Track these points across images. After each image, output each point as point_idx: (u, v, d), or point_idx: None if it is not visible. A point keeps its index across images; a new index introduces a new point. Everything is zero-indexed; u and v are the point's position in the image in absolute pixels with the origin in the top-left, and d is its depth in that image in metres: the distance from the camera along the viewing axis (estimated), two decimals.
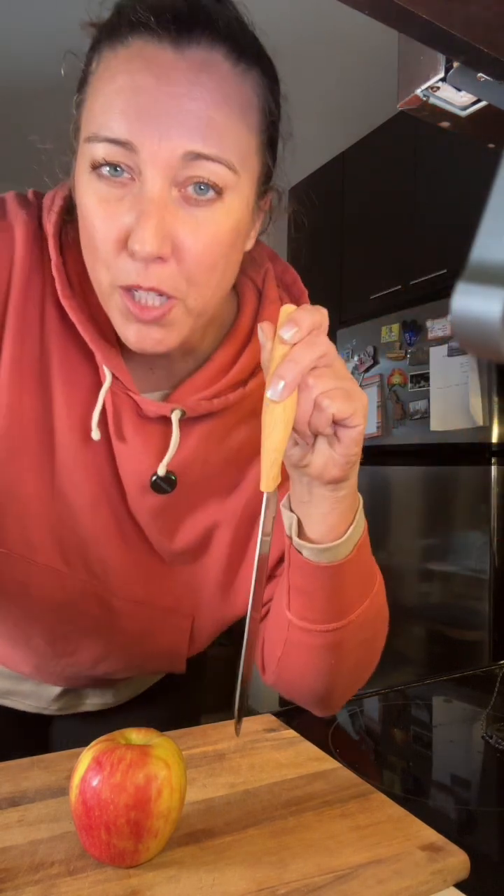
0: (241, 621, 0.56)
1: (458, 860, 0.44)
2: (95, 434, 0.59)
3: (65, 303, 0.58)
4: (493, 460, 1.91)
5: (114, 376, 0.59)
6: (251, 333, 0.64)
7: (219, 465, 0.65)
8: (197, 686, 0.91)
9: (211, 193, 0.50)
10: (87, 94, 0.52)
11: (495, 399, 1.91)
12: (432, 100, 0.43)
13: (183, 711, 0.88)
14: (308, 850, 0.45)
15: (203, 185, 0.50)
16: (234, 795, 0.52)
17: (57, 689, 0.80)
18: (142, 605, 0.69)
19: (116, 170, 0.49)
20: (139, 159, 0.48)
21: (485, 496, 1.93)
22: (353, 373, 2.46)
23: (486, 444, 1.92)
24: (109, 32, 0.51)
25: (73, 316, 0.58)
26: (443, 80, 0.41)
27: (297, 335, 0.47)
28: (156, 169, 0.48)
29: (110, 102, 0.49)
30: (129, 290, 0.52)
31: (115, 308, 0.53)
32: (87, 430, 0.60)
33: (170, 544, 0.66)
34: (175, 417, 0.60)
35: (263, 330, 0.50)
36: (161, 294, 0.51)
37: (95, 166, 0.50)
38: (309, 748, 0.60)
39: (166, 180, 0.49)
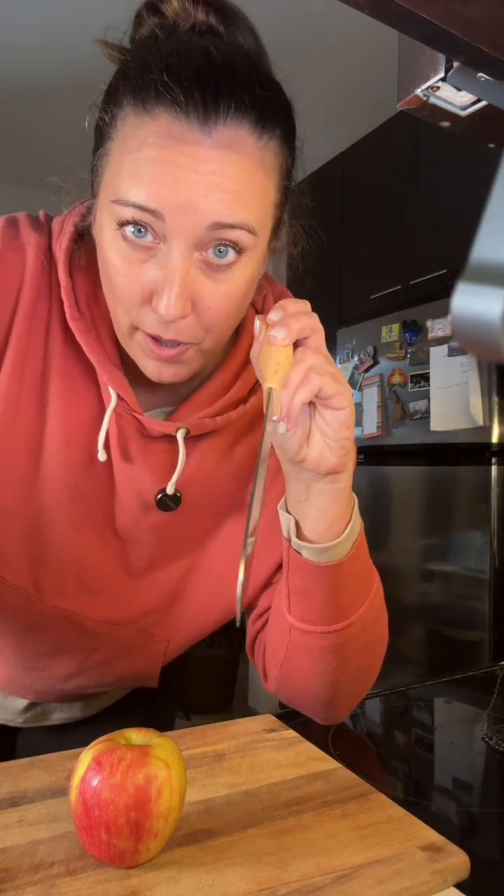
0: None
1: (458, 860, 0.44)
2: (102, 455, 0.60)
3: (73, 325, 0.59)
4: (493, 460, 1.91)
5: (118, 397, 0.60)
6: (246, 358, 0.66)
7: (220, 482, 0.67)
8: (167, 697, 0.91)
9: (230, 256, 0.53)
10: (111, 150, 0.53)
11: (495, 399, 1.91)
12: (432, 100, 0.43)
13: (153, 721, 0.87)
14: (308, 850, 0.45)
15: (223, 248, 0.52)
16: (234, 795, 0.52)
17: (24, 702, 0.80)
18: (116, 627, 0.69)
19: (141, 231, 0.51)
20: (165, 227, 0.51)
21: (485, 496, 1.93)
22: (353, 373, 2.46)
23: (486, 444, 1.92)
24: (134, 93, 0.51)
25: (81, 338, 0.59)
26: (443, 80, 0.41)
27: (282, 316, 0.52)
28: (182, 238, 0.51)
29: (139, 170, 0.50)
30: (149, 336, 0.55)
31: (135, 345, 0.57)
32: (84, 450, 0.61)
33: (167, 562, 0.67)
34: (180, 436, 0.62)
35: (259, 320, 0.53)
36: (179, 343, 0.55)
37: (122, 224, 0.52)
38: (309, 748, 0.60)
39: (190, 247, 0.51)
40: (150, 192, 0.50)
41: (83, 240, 0.62)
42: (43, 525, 0.63)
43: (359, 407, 2.43)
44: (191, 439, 0.63)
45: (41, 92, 2.84)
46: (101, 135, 0.54)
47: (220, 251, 0.52)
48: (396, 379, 2.26)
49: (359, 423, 2.43)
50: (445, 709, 0.81)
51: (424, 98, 0.43)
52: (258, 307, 0.70)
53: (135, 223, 0.51)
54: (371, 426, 2.35)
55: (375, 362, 2.35)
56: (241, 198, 0.51)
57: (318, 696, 0.65)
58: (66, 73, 2.61)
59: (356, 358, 2.45)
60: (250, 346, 0.66)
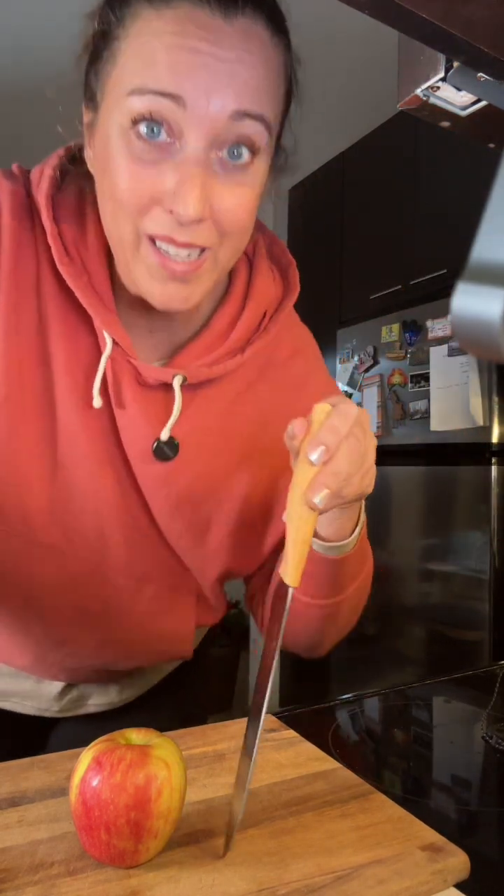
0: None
1: (458, 860, 0.44)
2: (97, 402, 0.59)
3: (63, 270, 0.58)
4: (493, 460, 1.91)
5: (114, 343, 0.59)
6: (244, 301, 0.66)
7: (221, 437, 0.66)
8: (201, 686, 0.91)
9: (245, 157, 0.52)
10: (120, 48, 0.51)
11: (495, 399, 1.91)
12: (432, 100, 0.43)
13: (187, 713, 0.87)
14: (308, 850, 0.45)
15: (238, 150, 0.51)
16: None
17: (57, 687, 0.78)
18: (145, 583, 0.68)
19: (154, 131, 0.50)
20: (184, 117, 0.49)
21: (485, 496, 1.93)
22: (353, 373, 2.46)
23: (486, 444, 1.92)
24: None
25: (72, 283, 0.58)
26: (443, 80, 0.41)
27: (323, 455, 0.48)
28: (202, 129, 0.49)
29: (157, 58, 0.49)
30: (154, 241, 0.52)
31: (142, 264, 0.54)
32: (89, 397, 0.60)
33: (173, 516, 0.66)
34: (177, 383, 0.60)
35: (295, 426, 0.51)
36: (193, 248, 0.52)
37: (136, 121, 0.49)
38: (309, 748, 0.60)
39: (209, 141, 0.50)
40: (170, 77, 0.48)
41: (64, 182, 0.61)
42: (65, 478, 0.62)
43: (358, 407, 2.43)
44: (189, 390, 0.62)
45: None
46: (105, 37, 0.53)
47: (234, 153, 0.51)
48: (396, 379, 2.25)
49: None
50: (445, 708, 0.81)
51: (424, 98, 0.43)
52: (248, 254, 0.69)
53: (150, 119, 0.49)
54: (371, 426, 2.35)
55: (375, 362, 2.35)
56: (261, 90, 0.51)
57: (307, 646, 0.69)
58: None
59: (356, 358, 2.45)
60: (243, 295, 0.66)
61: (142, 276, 0.55)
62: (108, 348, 0.59)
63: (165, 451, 0.62)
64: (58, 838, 0.46)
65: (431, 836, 0.46)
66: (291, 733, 0.63)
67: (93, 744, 0.45)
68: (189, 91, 0.48)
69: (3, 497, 0.61)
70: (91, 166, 0.57)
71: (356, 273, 2.70)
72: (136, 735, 0.47)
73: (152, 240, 0.53)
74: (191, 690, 0.89)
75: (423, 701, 0.82)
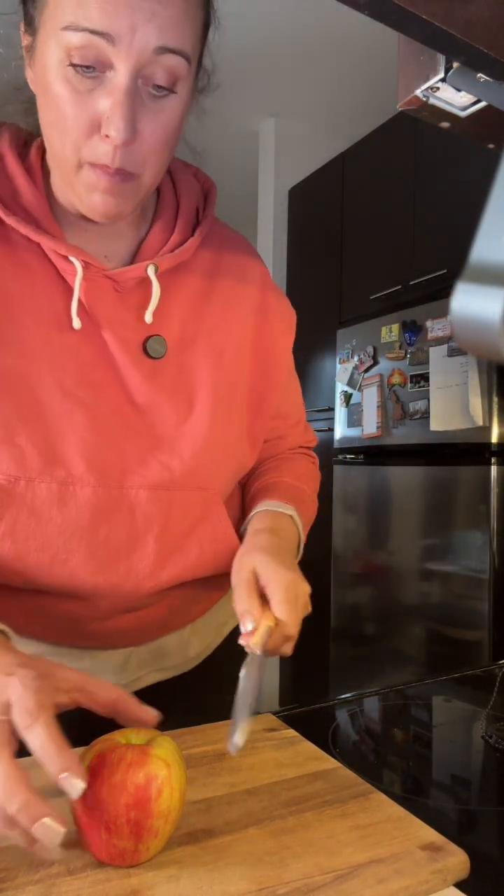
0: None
1: (457, 860, 0.44)
2: (76, 323, 0.64)
3: (10, 222, 0.63)
4: (493, 460, 1.91)
5: (84, 264, 0.64)
6: (176, 199, 0.74)
7: (202, 329, 0.72)
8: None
9: (167, 84, 0.58)
10: None
11: (495, 399, 1.91)
12: (432, 100, 0.43)
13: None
14: (308, 849, 0.45)
15: (159, 87, 0.58)
16: (235, 795, 0.52)
17: (120, 655, 0.76)
18: (170, 492, 0.69)
19: (88, 68, 0.55)
20: (114, 52, 0.55)
21: (485, 496, 1.93)
22: (353, 373, 2.46)
23: (486, 444, 1.92)
24: None
25: (25, 230, 0.63)
26: (443, 80, 0.41)
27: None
28: (129, 61, 0.55)
29: None
30: (96, 166, 0.59)
31: (80, 182, 0.60)
32: (62, 325, 0.65)
33: (175, 410, 0.69)
34: (151, 271, 0.67)
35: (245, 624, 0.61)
36: (123, 174, 0.59)
37: (71, 51, 0.55)
38: (309, 748, 0.60)
39: (136, 71, 0.56)
40: (99, 17, 0.53)
41: None
42: (73, 409, 0.64)
43: (359, 407, 2.43)
44: (163, 283, 0.69)
45: None
46: None
47: (158, 88, 0.58)
48: (396, 379, 2.26)
49: (359, 423, 2.43)
50: (445, 707, 0.81)
51: (424, 98, 0.43)
52: (169, 169, 0.74)
53: (83, 49, 0.54)
54: (371, 426, 2.35)
55: (375, 362, 2.35)
56: (179, 24, 0.56)
57: None
58: None
59: (356, 358, 2.45)
60: (175, 203, 0.73)
61: (80, 192, 0.61)
62: (79, 271, 0.64)
63: (156, 346, 0.68)
64: None
65: (431, 835, 0.46)
66: (291, 733, 0.63)
67: (93, 743, 0.45)
68: (116, 29, 0.54)
69: (27, 443, 0.64)
70: (33, 86, 0.62)
71: (356, 273, 2.70)
72: (136, 735, 0.47)
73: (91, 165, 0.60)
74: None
75: (422, 700, 0.82)
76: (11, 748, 0.43)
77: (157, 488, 0.68)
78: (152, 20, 0.54)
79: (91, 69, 0.55)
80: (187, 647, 0.82)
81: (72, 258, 0.64)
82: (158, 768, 0.43)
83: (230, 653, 0.74)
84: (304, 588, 0.65)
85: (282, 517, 0.76)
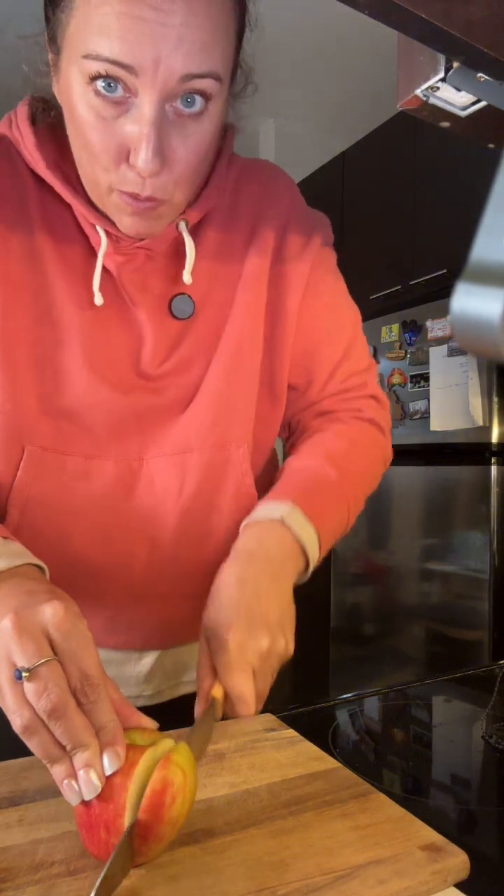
0: None
1: (457, 860, 0.44)
2: (98, 299, 0.63)
3: (50, 180, 0.62)
4: (493, 460, 1.91)
5: (114, 236, 0.63)
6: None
7: (220, 283, 0.70)
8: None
9: (198, 104, 0.55)
10: (75, 7, 0.54)
11: (495, 399, 1.91)
12: (432, 100, 0.43)
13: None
14: (308, 850, 0.45)
15: (191, 98, 0.55)
16: (234, 795, 0.52)
17: (146, 665, 0.75)
18: (179, 455, 0.69)
19: (110, 85, 0.53)
20: (137, 81, 0.52)
21: (485, 496, 1.93)
22: None
23: (486, 444, 1.92)
24: None
25: (60, 188, 0.62)
26: (443, 80, 0.41)
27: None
28: (154, 92, 0.53)
29: (108, 24, 0.51)
30: (125, 194, 0.58)
31: (112, 204, 0.60)
32: (90, 295, 0.64)
33: (193, 372, 0.68)
34: (182, 228, 0.65)
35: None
36: (153, 202, 0.58)
37: (93, 78, 0.53)
38: (309, 748, 0.60)
39: (162, 99, 0.54)
40: (121, 48, 0.51)
41: (36, 122, 0.65)
42: (92, 382, 0.64)
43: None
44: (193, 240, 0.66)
45: None
46: None
47: (188, 101, 0.55)
48: (396, 379, 2.26)
49: None
50: (445, 707, 0.81)
51: (424, 98, 0.43)
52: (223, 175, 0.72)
53: (107, 77, 0.52)
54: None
55: (375, 362, 2.35)
56: (208, 46, 0.53)
57: None
58: None
59: None
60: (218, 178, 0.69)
61: (112, 212, 0.61)
62: (103, 242, 0.62)
63: (182, 307, 0.67)
64: (58, 838, 0.46)
65: (431, 835, 0.46)
66: (291, 732, 0.63)
67: None
68: (139, 60, 0.51)
69: (44, 417, 0.64)
70: (60, 101, 0.60)
71: (356, 273, 2.69)
72: (140, 736, 0.46)
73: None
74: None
75: (422, 700, 0.82)
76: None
77: (174, 454, 0.68)
78: (178, 48, 0.51)
79: (115, 90, 0.53)
80: None
81: (98, 228, 0.63)
82: (175, 775, 0.43)
83: None
84: (255, 645, 0.58)
85: (263, 526, 0.67)
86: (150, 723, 0.48)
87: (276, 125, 3.24)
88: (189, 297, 0.67)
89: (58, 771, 0.42)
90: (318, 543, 0.68)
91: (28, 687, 0.42)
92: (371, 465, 0.81)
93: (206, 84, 0.54)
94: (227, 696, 0.58)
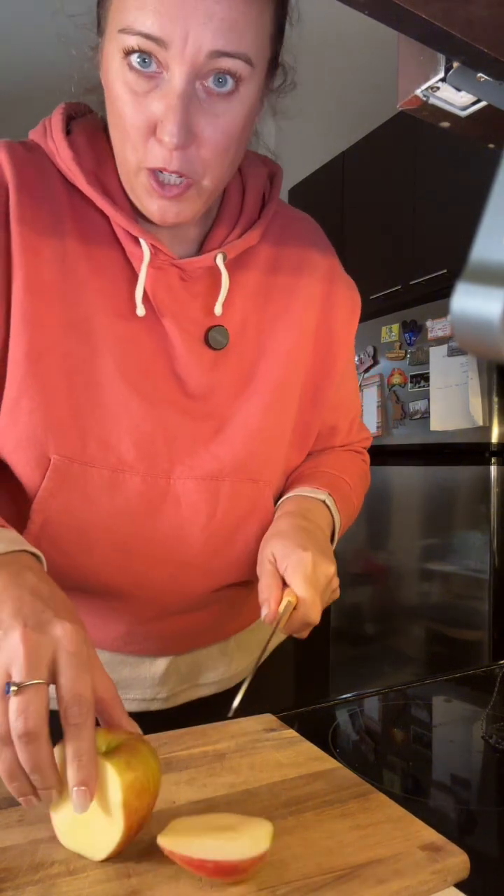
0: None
1: (458, 860, 0.44)
2: (140, 310, 0.64)
3: (90, 194, 0.63)
4: (493, 460, 1.91)
5: (153, 249, 0.64)
6: (242, 198, 0.72)
7: (263, 322, 0.71)
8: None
9: (229, 85, 0.56)
10: None
11: (495, 399, 1.91)
12: (432, 100, 0.43)
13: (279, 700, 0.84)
14: (308, 849, 0.45)
15: (222, 78, 0.56)
16: (234, 795, 0.52)
17: (160, 666, 0.75)
18: (211, 480, 0.68)
19: (145, 60, 0.55)
20: (168, 55, 0.54)
21: (485, 496, 1.93)
22: None
23: (486, 444, 1.92)
24: None
25: (100, 202, 0.63)
26: (443, 80, 0.41)
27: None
28: (183, 65, 0.54)
29: (144, 1, 0.53)
30: (154, 170, 0.58)
31: (140, 186, 0.60)
32: (127, 311, 0.64)
33: (229, 402, 0.69)
34: (219, 260, 0.66)
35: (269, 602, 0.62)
36: (182, 176, 0.58)
37: (128, 52, 0.55)
38: (309, 748, 0.60)
39: (191, 75, 0.55)
40: (153, 20, 0.53)
41: (71, 127, 0.66)
42: (127, 396, 0.65)
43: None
44: (231, 272, 0.68)
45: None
46: None
47: (219, 80, 0.56)
48: (396, 379, 2.26)
49: None
50: (445, 707, 0.81)
51: (424, 98, 0.43)
52: (265, 191, 0.73)
53: (140, 51, 0.54)
54: (371, 426, 2.35)
55: (375, 362, 2.35)
56: (238, 26, 0.54)
57: None
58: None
59: (356, 358, 2.44)
60: (240, 191, 0.72)
61: (139, 196, 0.61)
62: (146, 255, 0.63)
63: (218, 337, 0.68)
64: (58, 838, 0.46)
65: (431, 835, 0.46)
66: (291, 733, 0.63)
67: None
68: (169, 33, 0.53)
69: (71, 431, 0.64)
70: (103, 82, 0.61)
71: (356, 273, 2.69)
72: (103, 737, 0.46)
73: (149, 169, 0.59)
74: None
75: (422, 700, 0.82)
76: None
77: (204, 479, 0.68)
78: (207, 24, 0.53)
79: (149, 65, 0.55)
80: (231, 661, 0.80)
81: (142, 241, 0.63)
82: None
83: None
84: (325, 569, 0.63)
85: (310, 500, 0.73)
86: (132, 727, 0.48)
87: (276, 125, 3.24)
88: (225, 328, 0.68)
89: (15, 787, 0.43)
90: (337, 536, 0.75)
91: (12, 702, 0.42)
92: (364, 488, 0.87)
93: (236, 65, 0.55)
94: (295, 605, 0.61)
